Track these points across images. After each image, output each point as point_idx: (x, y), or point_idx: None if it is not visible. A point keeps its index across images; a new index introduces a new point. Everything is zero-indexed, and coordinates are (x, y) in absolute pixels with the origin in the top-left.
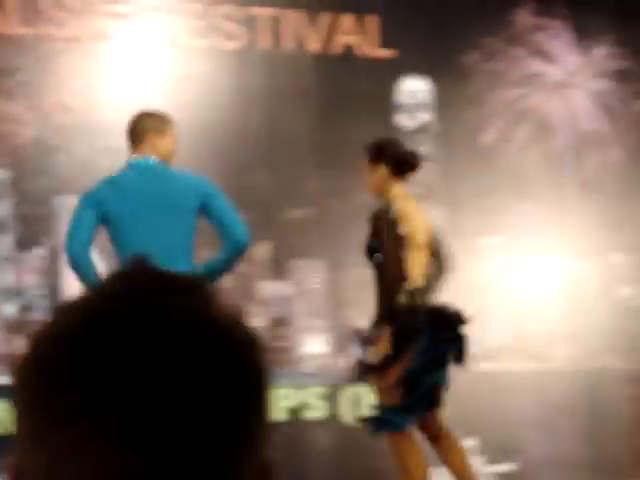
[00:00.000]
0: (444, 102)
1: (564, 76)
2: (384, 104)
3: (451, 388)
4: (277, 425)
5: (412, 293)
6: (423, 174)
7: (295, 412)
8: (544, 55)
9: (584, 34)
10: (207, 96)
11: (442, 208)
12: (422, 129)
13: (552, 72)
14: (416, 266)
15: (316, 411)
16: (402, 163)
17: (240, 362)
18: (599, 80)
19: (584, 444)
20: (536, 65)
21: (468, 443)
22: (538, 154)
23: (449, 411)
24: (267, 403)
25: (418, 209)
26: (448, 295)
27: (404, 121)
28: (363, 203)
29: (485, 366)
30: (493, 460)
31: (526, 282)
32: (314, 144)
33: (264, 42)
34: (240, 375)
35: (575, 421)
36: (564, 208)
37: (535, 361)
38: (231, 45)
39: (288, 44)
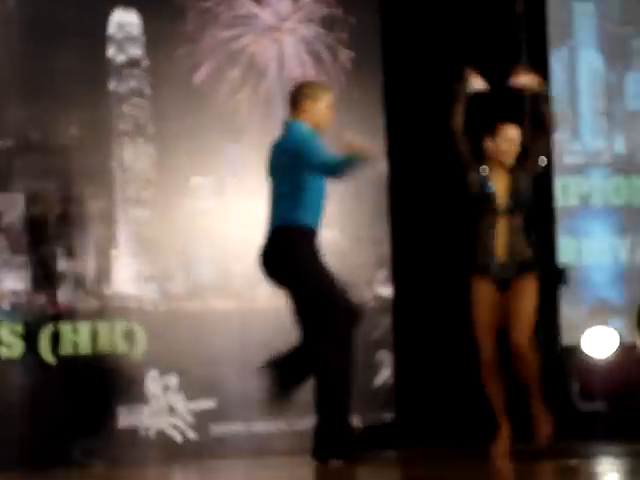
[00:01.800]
0: (156, 38)
1: (275, 20)
2: (97, 36)
3: (154, 326)
4: None
5: None
6: (132, 110)
7: None
8: None
9: None
10: None
11: (152, 146)
12: (132, 63)
13: (264, 15)
14: None
15: (10, 349)
16: None
17: None
18: (308, 26)
19: None
20: (249, 7)
21: (168, 380)
22: (249, 96)
23: (150, 349)
24: None
25: None
26: (159, 234)
27: (114, 54)
28: (71, 136)
29: (189, 305)
30: (192, 397)
31: (233, 223)
32: (17, 73)
33: None
34: None
35: None
36: None
37: (239, 301)
38: None
39: None
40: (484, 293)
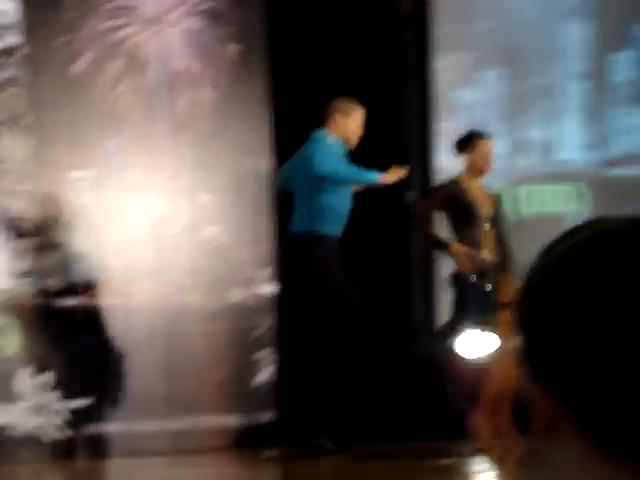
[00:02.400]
0: (36, 25)
1: (158, 12)
2: None
3: (29, 322)
4: None
5: None
6: (8, 99)
7: None
8: None
9: None
10: None
11: (28, 137)
12: (8, 51)
13: (146, 7)
14: None
15: None
16: None
17: None
18: (193, 19)
19: (162, 380)
20: None
21: (43, 378)
22: (130, 89)
23: (24, 345)
24: None
25: None
26: (35, 228)
27: None
28: None
29: (66, 300)
30: (68, 395)
31: (114, 218)
32: None
33: None
34: None
35: (154, 356)
36: (154, 145)
37: (118, 296)
38: None
39: None
40: None
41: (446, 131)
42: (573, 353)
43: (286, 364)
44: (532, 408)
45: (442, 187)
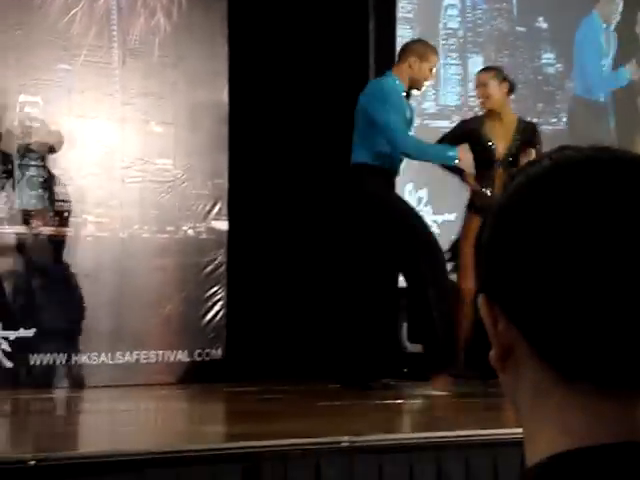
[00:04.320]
0: None
1: None
2: None
3: None
4: None
5: None
6: None
7: None
8: None
9: None
10: None
11: None
12: None
13: None
14: None
15: None
16: None
17: None
18: None
19: (110, 313)
20: None
21: None
22: (83, 13)
23: None
24: None
25: None
26: None
27: None
28: None
29: (10, 228)
30: (11, 325)
31: (62, 145)
32: None
33: None
34: None
35: (103, 289)
36: (107, 73)
37: (66, 226)
38: None
39: None
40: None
41: None
42: (529, 277)
43: (236, 301)
44: (489, 336)
45: (465, 121)
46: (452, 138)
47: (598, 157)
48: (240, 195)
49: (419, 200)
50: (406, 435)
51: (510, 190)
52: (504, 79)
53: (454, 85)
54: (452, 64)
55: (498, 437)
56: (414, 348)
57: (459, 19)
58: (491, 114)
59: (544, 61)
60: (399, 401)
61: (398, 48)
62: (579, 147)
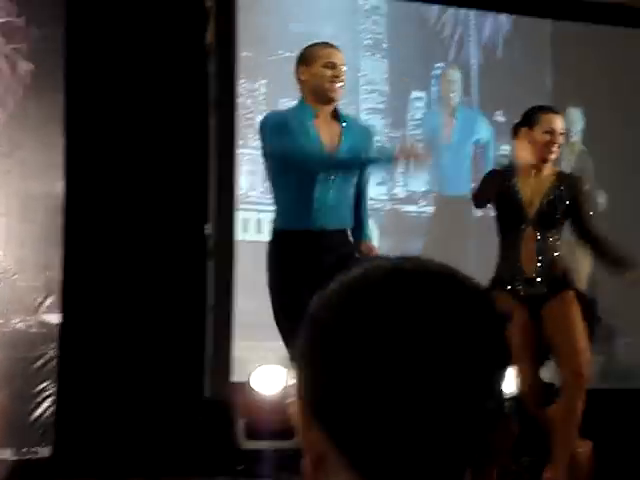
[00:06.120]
0: None
1: None
2: None
3: None
4: None
5: None
6: None
7: None
8: None
9: None
10: None
11: None
12: None
13: None
14: None
15: None
16: None
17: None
18: None
19: None
20: None
21: None
22: None
23: None
24: None
25: None
26: None
27: None
28: None
29: None
30: None
31: None
32: None
33: None
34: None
35: None
36: None
37: None
38: None
39: None
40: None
41: (248, 160)
42: (339, 388)
43: (67, 397)
44: (302, 443)
45: (496, 173)
46: (485, 190)
47: (402, 268)
48: (75, 287)
49: None
50: None
51: (323, 298)
52: None
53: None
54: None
55: None
56: (250, 445)
57: (424, 111)
58: (527, 165)
59: (502, 152)
60: None
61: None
62: (388, 257)
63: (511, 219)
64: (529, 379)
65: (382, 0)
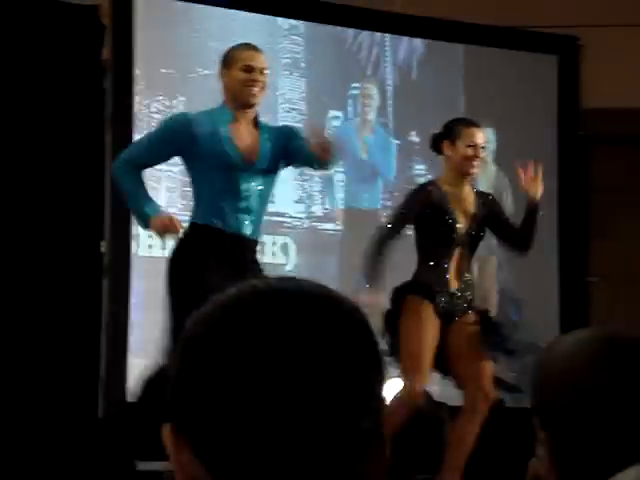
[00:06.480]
0: None
1: None
2: None
3: None
4: None
5: None
6: None
7: None
8: None
9: None
10: None
11: None
12: None
13: None
14: None
15: None
16: None
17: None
18: None
19: None
20: None
21: None
22: None
23: None
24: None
25: None
26: None
27: None
28: None
29: None
30: None
31: None
32: None
33: None
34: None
35: None
36: None
37: None
38: None
39: None
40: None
41: (167, 178)
42: (209, 411)
43: None
44: (173, 467)
45: (417, 192)
46: (411, 207)
47: (275, 288)
48: None
49: None
50: None
51: (198, 318)
52: None
53: (339, 191)
54: (338, 171)
55: None
56: (146, 466)
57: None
58: (449, 180)
59: (416, 172)
60: None
61: None
62: (266, 279)
63: (441, 237)
64: (424, 380)
65: (300, 20)
